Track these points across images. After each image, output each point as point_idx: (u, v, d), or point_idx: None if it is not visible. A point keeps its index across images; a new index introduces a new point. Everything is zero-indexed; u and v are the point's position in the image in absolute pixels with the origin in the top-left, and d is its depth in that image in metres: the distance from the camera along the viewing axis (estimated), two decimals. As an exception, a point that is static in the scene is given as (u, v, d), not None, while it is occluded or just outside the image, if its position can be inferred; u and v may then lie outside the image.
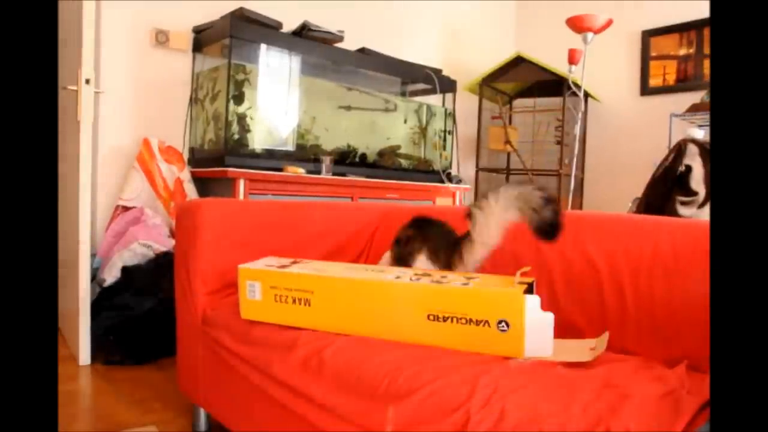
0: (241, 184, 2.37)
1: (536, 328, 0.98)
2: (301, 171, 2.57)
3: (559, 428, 0.74)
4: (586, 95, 3.78)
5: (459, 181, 3.46)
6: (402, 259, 1.27)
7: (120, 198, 2.42)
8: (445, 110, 3.55)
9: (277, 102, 2.81)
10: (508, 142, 3.79)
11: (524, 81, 3.90)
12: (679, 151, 2.34)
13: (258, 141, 2.70)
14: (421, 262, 1.24)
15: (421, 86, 3.51)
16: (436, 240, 1.24)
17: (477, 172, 3.99)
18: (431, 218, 1.31)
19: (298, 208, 1.74)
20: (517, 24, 4.51)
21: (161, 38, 2.64)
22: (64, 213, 2.23)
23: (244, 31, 2.51)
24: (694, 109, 3.34)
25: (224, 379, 1.34)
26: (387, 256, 1.36)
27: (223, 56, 2.58)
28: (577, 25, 2.95)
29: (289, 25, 2.74)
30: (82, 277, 2.06)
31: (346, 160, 3.01)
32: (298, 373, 1.07)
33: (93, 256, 2.26)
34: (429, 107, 3.53)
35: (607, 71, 3.94)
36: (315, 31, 2.76)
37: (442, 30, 4.00)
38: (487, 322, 1.00)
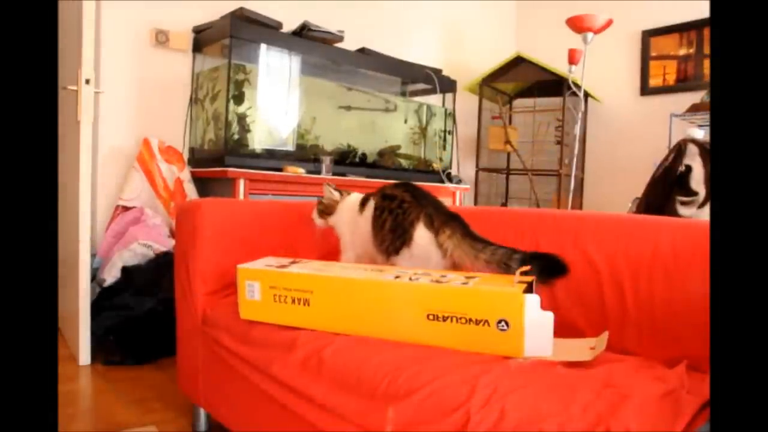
0: (241, 184, 2.37)
1: (536, 327, 0.98)
2: (301, 171, 2.57)
3: (559, 428, 0.74)
4: (586, 95, 3.78)
5: (459, 181, 3.45)
6: (403, 229, 1.29)
7: (120, 198, 2.42)
8: (445, 110, 3.55)
9: (277, 102, 2.81)
10: (508, 142, 3.79)
11: (524, 81, 3.90)
12: (679, 151, 2.34)
13: (258, 141, 2.70)
14: (420, 230, 1.28)
15: (421, 86, 3.51)
16: (432, 207, 1.30)
17: (477, 172, 3.99)
18: (422, 188, 1.38)
19: (297, 208, 1.74)
20: (517, 24, 4.51)
21: (161, 38, 2.64)
22: (64, 213, 2.22)
23: (244, 31, 2.51)
24: (694, 109, 3.34)
25: (224, 379, 1.34)
26: (370, 206, 1.40)
27: (223, 56, 2.58)
28: (577, 25, 2.95)
29: (289, 25, 2.74)
30: (82, 277, 2.05)
31: (346, 160, 3.01)
32: (298, 373, 1.07)
33: (93, 256, 2.26)
34: (429, 107, 3.53)
35: (607, 71, 3.94)
36: (315, 31, 2.76)
37: (442, 30, 4.00)
38: (486, 321, 1.00)
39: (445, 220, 1.27)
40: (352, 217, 1.45)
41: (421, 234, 1.27)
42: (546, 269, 1.12)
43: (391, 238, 1.31)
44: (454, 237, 1.24)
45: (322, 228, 1.54)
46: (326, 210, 1.52)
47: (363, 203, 1.44)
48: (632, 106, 3.90)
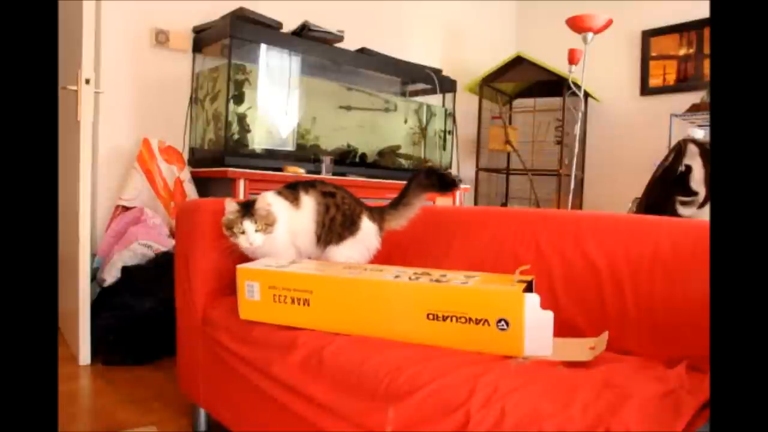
0: (241, 184, 2.37)
1: (536, 326, 0.98)
2: (301, 171, 2.57)
3: (559, 428, 0.74)
4: (586, 95, 3.78)
5: (459, 181, 3.45)
6: (352, 221, 1.44)
7: (120, 198, 2.42)
8: (445, 110, 3.55)
9: (277, 102, 2.81)
10: (508, 142, 3.79)
11: (524, 81, 3.90)
12: (679, 151, 2.33)
13: (258, 141, 2.70)
14: (366, 222, 1.46)
15: (421, 86, 3.51)
16: (363, 204, 1.50)
17: (477, 172, 3.98)
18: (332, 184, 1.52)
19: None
20: (517, 24, 4.51)
21: (161, 38, 2.64)
22: (64, 213, 2.22)
23: (244, 31, 2.51)
24: (694, 109, 3.34)
25: (224, 379, 1.34)
26: (309, 202, 1.43)
27: (223, 56, 2.58)
28: (577, 25, 2.94)
29: (289, 25, 2.74)
30: (82, 277, 2.05)
31: (346, 160, 3.01)
32: (298, 372, 1.07)
33: (93, 256, 2.26)
34: (429, 107, 3.53)
35: (607, 71, 3.94)
36: (315, 31, 2.76)
37: (442, 30, 4.00)
38: (486, 321, 1.00)
39: (377, 210, 1.50)
40: (287, 215, 1.40)
41: (367, 224, 1.46)
42: (441, 183, 1.50)
43: (340, 231, 1.42)
44: (388, 213, 1.50)
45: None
46: (270, 222, 1.34)
47: (293, 198, 1.42)
48: (632, 106, 3.90)
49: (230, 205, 1.33)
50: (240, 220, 1.31)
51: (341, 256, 1.41)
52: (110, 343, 2.08)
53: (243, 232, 1.31)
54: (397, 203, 1.52)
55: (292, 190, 1.44)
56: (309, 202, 1.43)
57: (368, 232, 1.46)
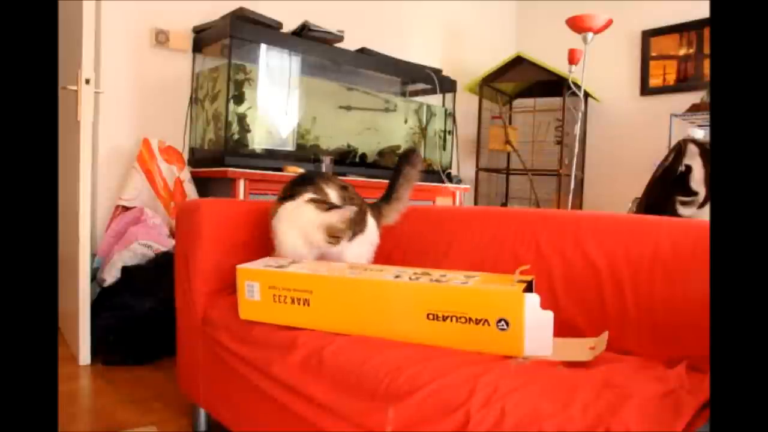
0: (241, 184, 2.37)
1: (536, 326, 0.98)
2: (301, 171, 2.57)
3: (559, 428, 0.74)
4: (586, 95, 3.78)
5: (459, 181, 3.45)
6: (361, 218, 1.43)
7: (120, 198, 2.42)
8: (445, 110, 3.55)
9: (277, 102, 2.81)
10: (508, 142, 3.79)
11: (524, 81, 3.90)
12: (679, 151, 2.34)
13: (258, 141, 2.70)
14: (369, 218, 1.47)
15: (421, 86, 3.51)
16: (364, 203, 1.51)
17: (477, 172, 3.98)
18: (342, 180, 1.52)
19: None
20: (517, 24, 4.51)
21: (161, 38, 2.64)
22: (64, 213, 2.23)
23: (244, 31, 2.51)
24: (694, 109, 3.34)
25: (224, 379, 1.34)
26: (333, 197, 1.41)
27: (223, 56, 2.58)
28: (577, 25, 2.94)
29: (289, 25, 2.74)
30: (82, 277, 2.05)
31: (346, 160, 3.01)
32: (298, 372, 1.07)
33: (93, 256, 2.26)
34: (429, 107, 3.53)
35: (607, 71, 3.94)
36: (315, 31, 2.76)
37: (442, 30, 4.00)
38: (486, 321, 1.00)
39: (374, 206, 1.52)
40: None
41: (370, 220, 1.47)
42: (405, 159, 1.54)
43: (353, 228, 1.40)
44: (384, 208, 1.53)
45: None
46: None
47: (324, 194, 1.41)
48: (632, 106, 3.90)
49: (348, 212, 1.32)
50: (350, 229, 1.35)
51: (352, 254, 1.40)
52: (110, 343, 2.08)
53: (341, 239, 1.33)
54: (390, 198, 1.54)
55: (313, 186, 1.39)
56: (333, 194, 1.41)
57: (372, 228, 1.47)
